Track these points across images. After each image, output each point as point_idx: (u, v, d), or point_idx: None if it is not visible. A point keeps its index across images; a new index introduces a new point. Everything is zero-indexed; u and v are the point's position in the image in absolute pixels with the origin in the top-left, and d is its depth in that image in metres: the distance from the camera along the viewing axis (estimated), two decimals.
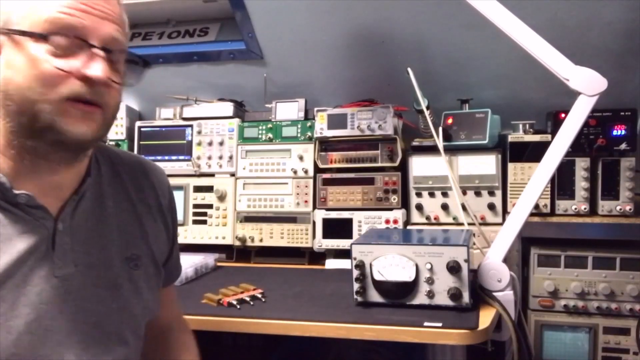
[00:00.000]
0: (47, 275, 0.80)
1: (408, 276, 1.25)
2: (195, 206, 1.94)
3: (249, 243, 1.89)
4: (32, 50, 0.76)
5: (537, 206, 1.65)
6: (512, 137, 1.70)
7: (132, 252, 0.93)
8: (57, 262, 0.81)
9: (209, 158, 1.95)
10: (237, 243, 1.90)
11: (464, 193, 1.69)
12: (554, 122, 1.69)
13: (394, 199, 1.78)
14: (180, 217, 1.95)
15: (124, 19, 0.87)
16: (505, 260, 1.30)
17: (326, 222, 1.82)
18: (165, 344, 1.09)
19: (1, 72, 0.76)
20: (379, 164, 1.80)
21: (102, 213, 0.90)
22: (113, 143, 2.05)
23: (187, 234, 1.94)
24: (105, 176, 0.94)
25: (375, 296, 1.28)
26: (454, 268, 1.22)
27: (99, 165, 0.94)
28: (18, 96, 0.76)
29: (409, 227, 1.75)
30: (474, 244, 1.50)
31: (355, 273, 1.29)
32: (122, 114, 2.07)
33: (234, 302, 1.32)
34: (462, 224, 1.63)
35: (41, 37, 0.76)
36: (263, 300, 1.37)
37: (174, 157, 1.99)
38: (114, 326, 0.88)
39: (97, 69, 0.78)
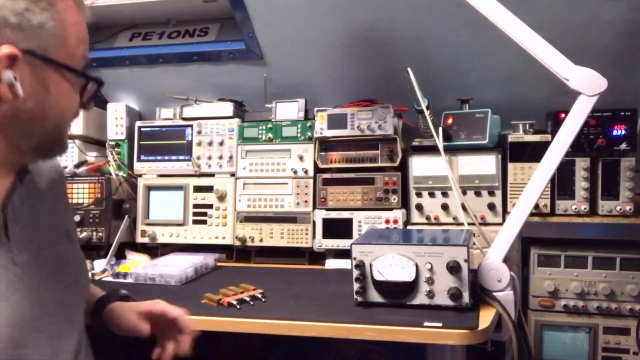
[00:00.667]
0: (9, 265, 0.82)
1: (408, 276, 1.25)
2: (195, 206, 1.94)
3: (249, 243, 1.89)
4: (74, 84, 0.83)
5: (537, 206, 1.65)
6: (512, 137, 1.70)
7: (64, 228, 0.98)
8: (15, 251, 0.83)
9: (209, 158, 1.95)
10: (237, 243, 1.90)
11: (464, 193, 1.69)
12: (554, 122, 1.69)
13: (394, 199, 1.78)
14: (180, 217, 1.95)
15: None
16: (505, 260, 1.30)
17: (326, 222, 1.82)
18: None
19: (42, 97, 0.80)
20: (379, 164, 1.80)
21: (32, 199, 0.92)
22: (113, 143, 2.05)
23: (187, 234, 1.94)
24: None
25: (375, 296, 1.28)
26: (454, 268, 1.22)
27: None
28: (55, 120, 0.83)
29: (409, 227, 1.75)
30: (474, 244, 1.50)
31: (355, 273, 1.29)
32: (122, 114, 2.07)
33: (234, 302, 1.32)
34: (462, 224, 1.63)
35: (95, 80, 0.86)
36: (263, 300, 1.37)
37: (174, 157, 1.99)
38: (71, 300, 0.93)
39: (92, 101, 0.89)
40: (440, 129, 1.66)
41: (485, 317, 1.19)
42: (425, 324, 1.14)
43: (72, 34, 0.81)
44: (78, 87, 0.85)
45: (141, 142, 2.02)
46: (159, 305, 1.08)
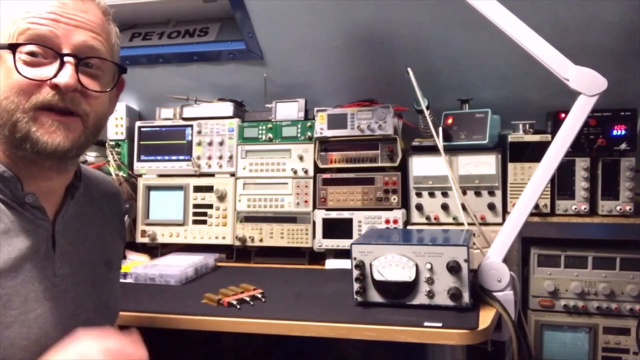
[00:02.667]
0: (50, 273, 0.86)
1: (408, 276, 1.25)
2: (195, 206, 1.94)
3: (249, 243, 1.89)
4: (7, 61, 0.79)
5: (537, 206, 1.65)
6: (512, 137, 1.70)
7: (107, 255, 1.00)
8: (57, 262, 0.87)
9: (209, 158, 1.95)
10: (237, 243, 1.90)
11: (464, 193, 1.69)
12: (554, 122, 1.69)
13: (394, 199, 1.77)
14: (180, 217, 1.95)
15: (107, 28, 0.90)
16: (505, 260, 1.30)
17: (326, 222, 1.82)
18: None
19: None
20: (379, 164, 1.80)
21: (83, 219, 0.96)
22: (113, 143, 2.05)
23: (187, 234, 1.94)
24: (84, 187, 0.99)
25: (375, 296, 1.28)
26: (454, 268, 1.22)
27: (81, 175, 0.99)
28: None
29: (409, 227, 1.75)
30: (474, 244, 1.50)
31: (355, 273, 1.29)
32: (122, 113, 2.07)
33: (234, 302, 1.32)
34: (462, 224, 1.63)
35: (12, 47, 0.79)
36: (263, 300, 1.37)
37: (174, 157, 1.98)
38: (97, 322, 0.94)
39: (65, 75, 0.80)
40: (440, 129, 1.66)
41: (485, 317, 1.19)
42: (425, 324, 1.15)
43: (4, 12, 0.81)
44: (21, 60, 0.81)
45: (141, 142, 2.02)
46: None
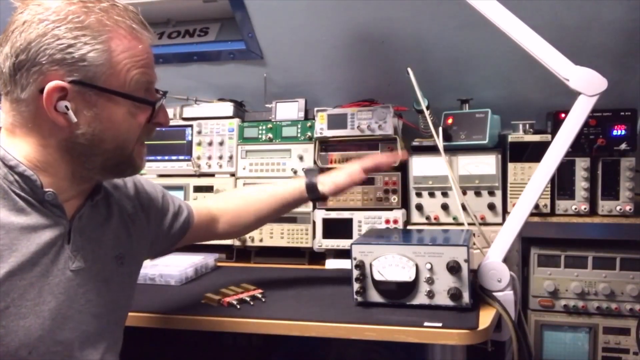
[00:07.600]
0: (64, 268, 0.90)
1: (408, 276, 1.25)
2: None
3: (249, 243, 1.89)
4: (129, 107, 0.90)
5: (537, 206, 1.65)
6: (512, 137, 1.70)
7: (119, 251, 1.03)
8: (72, 257, 0.92)
9: (209, 158, 1.95)
10: (237, 243, 1.89)
11: (464, 193, 1.69)
12: (554, 122, 1.69)
13: (394, 199, 1.78)
14: None
15: None
16: (505, 260, 1.30)
17: (326, 222, 1.82)
18: (238, 214, 1.41)
19: (94, 123, 0.88)
20: None
21: (100, 218, 1.01)
22: None
23: None
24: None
25: (375, 296, 1.28)
26: (454, 268, 1.22)
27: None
28: (114, 143, 0.90)
29: (409, 227, 1.75)
30: (474, 244, 1.50)
31: (355, 273, 1.29)
32: None
33: (234, 302, 1.32)
34: (462, 224, 1.63)
35: (152, 104, 0.93)
36: (263, 300, 1.37)
37: (174, 157, 1.98)
38: (106, 318, 0.98)
39: (168, 116, 0.98)
40: (440, 129, 1.66)
41: (485, 317, 1.19)
42: (425, 324, 1.15)
43: (121, 61, 0.88)
44: (141, 109, 0.92)
45: None
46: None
